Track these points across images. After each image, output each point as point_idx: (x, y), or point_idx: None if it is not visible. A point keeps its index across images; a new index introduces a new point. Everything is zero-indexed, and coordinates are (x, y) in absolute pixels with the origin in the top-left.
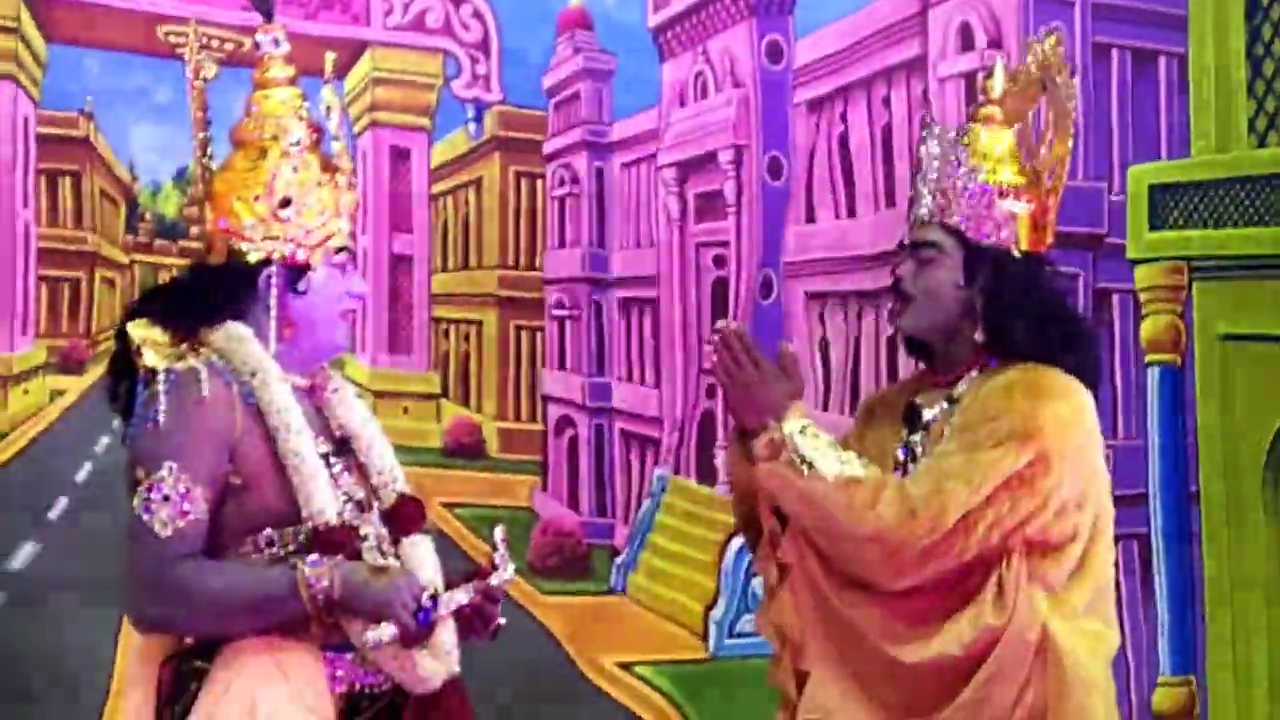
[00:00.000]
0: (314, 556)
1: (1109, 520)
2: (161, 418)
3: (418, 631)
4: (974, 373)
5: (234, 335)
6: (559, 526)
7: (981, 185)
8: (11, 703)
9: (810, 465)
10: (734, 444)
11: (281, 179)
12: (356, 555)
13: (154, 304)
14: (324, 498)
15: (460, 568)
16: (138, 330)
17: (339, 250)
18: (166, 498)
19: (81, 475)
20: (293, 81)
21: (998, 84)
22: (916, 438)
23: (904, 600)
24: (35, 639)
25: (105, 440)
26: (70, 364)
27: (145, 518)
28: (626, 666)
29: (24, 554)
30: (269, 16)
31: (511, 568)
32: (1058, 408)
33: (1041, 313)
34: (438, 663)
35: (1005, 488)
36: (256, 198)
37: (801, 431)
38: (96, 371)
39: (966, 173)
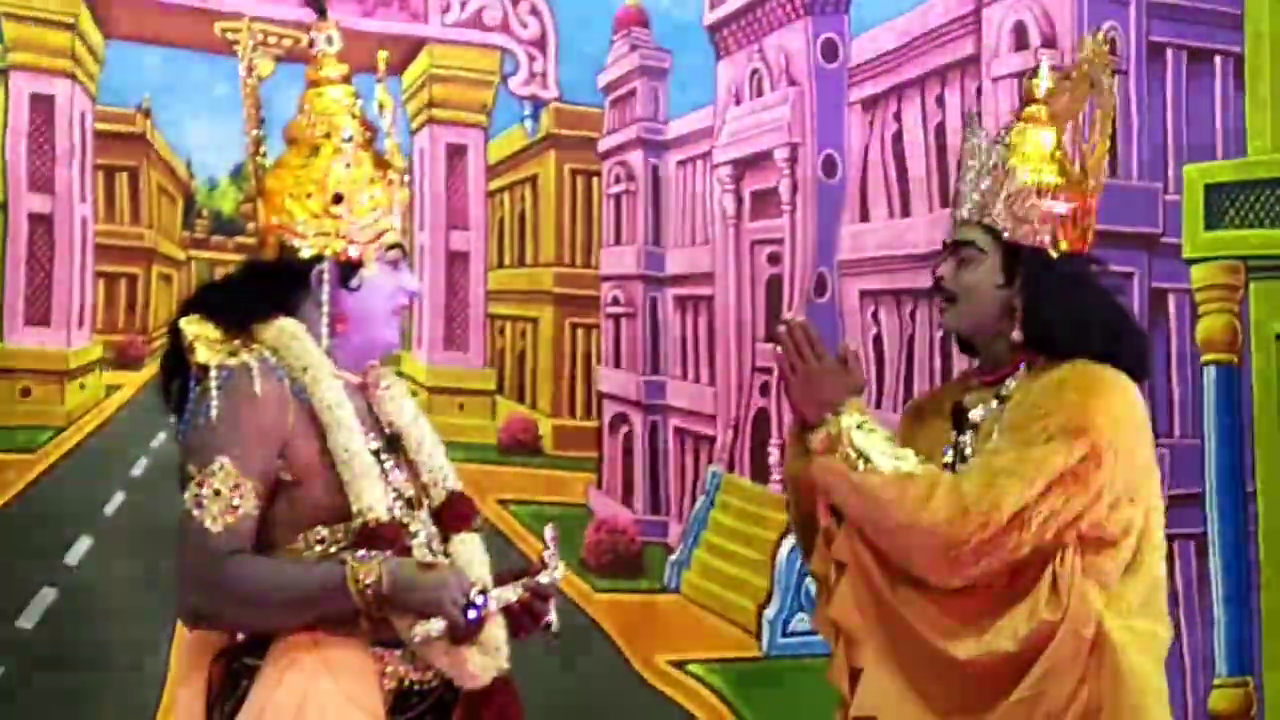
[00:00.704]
0: (363, 552)
1: (1160, 517)
2: (213, 414)
3: (466, 628)
4: (1021, 370)
5: (286, 331)
6: (613, 524)
7: (1021, 185)
8: (65, 698)
9: (866, 460)
10: (792, 438)
11: (334, 176)
12: (406, 551)
13: (207, 300)
14: (374, 494)
15: (516, 565)
16: (190, 326)
17: (391, 247)
18: (218, 493)
19: (138, 471)
20: (346, 79)
21: (1043, 83)
22: (965, 438)
23: (958, 597)
24: (89, 634)
25: (161, 436)
26: (127, 360)
27: (196, 513)
28: (680, 665)
29: (79, 549)
30: (322, 14)
31: (561, 566)
32: (1109, 403)
33: (1083, 312)
34: (487, 659)
35: (1059, 483)
36: (309, 195)
37: (859, 426)
38: (153, 367)
39: (1006, 173)
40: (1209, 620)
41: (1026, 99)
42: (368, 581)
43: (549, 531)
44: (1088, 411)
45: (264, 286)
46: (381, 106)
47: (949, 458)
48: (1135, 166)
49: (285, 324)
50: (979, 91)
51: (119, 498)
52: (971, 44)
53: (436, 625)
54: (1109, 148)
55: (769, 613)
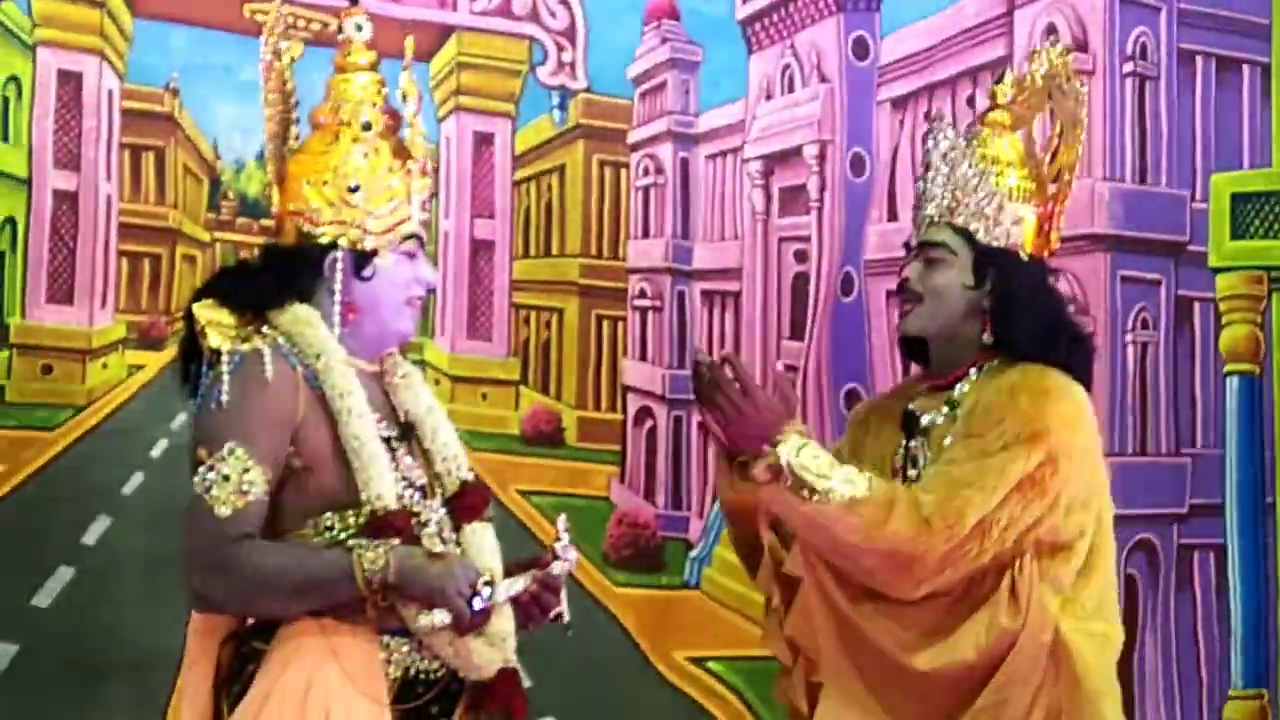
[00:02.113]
0: (369, 540)
1: (1110, 519)
2: (225, 398)
3: (471, 619)
4: (972, 374)
5: (300, 318)
6: (634, 518)
7: (994, 188)
8: (82, 678)
9: (813, 489)
10: (721, 466)
11: (351, 164)
12: (415, 540)
13: (222, 286)
14: (383, 482)
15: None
16: (203, 311)
17: (407, 238)
18: (227, 477)
19: (157, 451)
20: (373, 67)
21: (1007, 89)
22: (916, 444)
23: (917, 609)
24: (106, 614)
25: (181, 417)
26: (149, 340)
27: (205, 497)
28: (699, 661)
29: (97, 529)
30: None
31: (574, 555)
32: (1062, 408)
33: (1050, 316)
34: (493, 650)
35: (1018, 490)
36: (325, 182)
37: (799, 452)
38: (175, 348)
39: (977, 175)
40: (1226, 631)
41: (991, 104)
42: (374, 570)
43: (561, 522)
44: (1043, 417)
45: (280, 273)
46: (405, 95)
47: (901, 464)
48: (1164, 173)
49: (299, 311)
50: None
51: (138, 478)
52: (1003, 45)
53: (440, 616)
54: (1077, 156)
55: None
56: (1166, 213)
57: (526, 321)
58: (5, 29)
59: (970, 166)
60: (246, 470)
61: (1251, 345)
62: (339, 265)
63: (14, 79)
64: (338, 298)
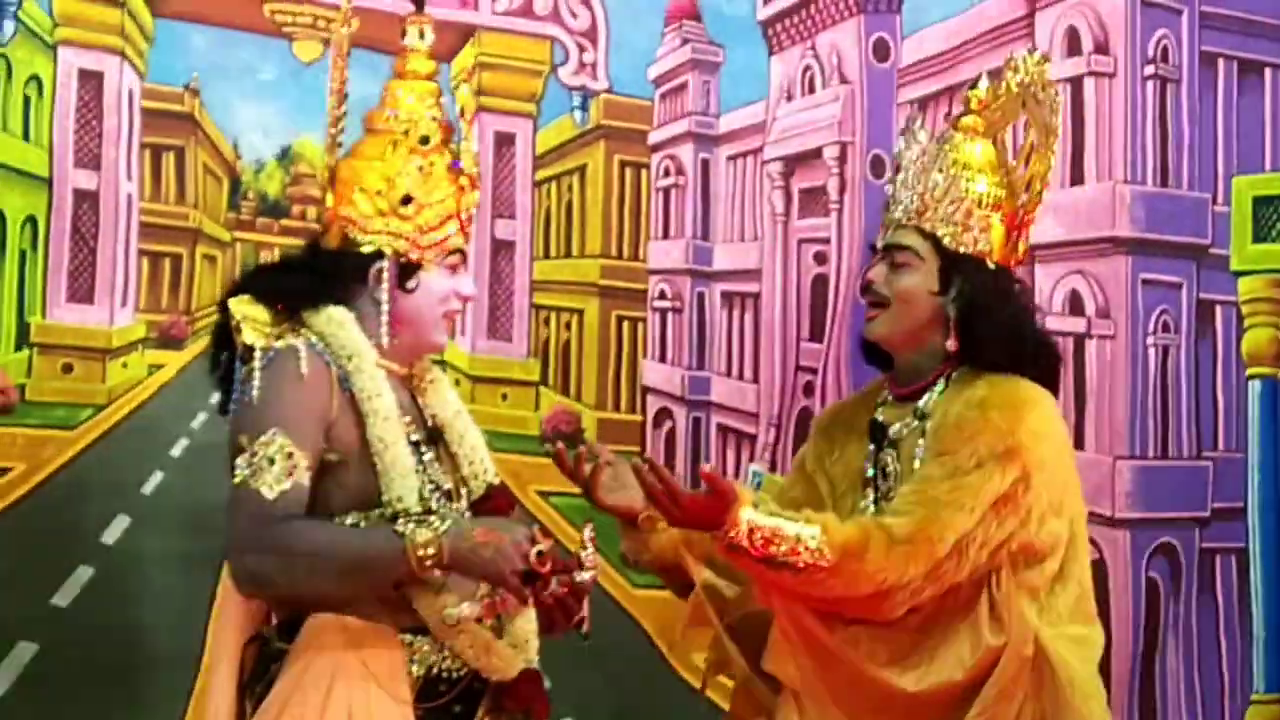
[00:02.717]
0: (417, 520)
1: (1084, 524)
2: (262, 391)
3: (531, 592)
4: (939, 385)
5: (335, 319)
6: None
7: (964, 193)
8: (101, 677)
9: (781, 541)
10: (625, 532)
11: (406, 176)
12: None
13: (259, 281)
14: (406, 484)
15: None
16: (239, 306)
17: (452, 252)
18: (272, 460)
19: (177, 451)
20: (431, 76)
21: (981, 94)
22: (887, 454)
23: (895, 628)
24: (125, 613)
25: (202, 416)
26: (169, 340)
27: (250, 480)
28: None
29: (117, 528)
30: (419, 5)
31: (598, 564)
32: (1033, 420)
33: (1016, 325)
34: (516, 652)
35: (993, 509)
36: (379, 191)
37: (752, 528)
38: (195, 348)
39: (948, 179)
40: (1248, 635)
41: (965, 109)
42: (427, 553)
43: (587, 531)
44: (1015, 433)
45: (320, 274)
46: (463, 111)
47: (871, 474)
48: (1185, 176)
49: (334, 312)
50: None
51: (157, 477)
52: (1024, 47)
53: (468, 609)
54: (1049, 166)
55: None
56: (1188, 216)
57: (547, 322)
58: (27, 28)
59: (941, 171)
60: (290, 455)
61: (1273, 348)
62: (385, 275)
63: (35, 78)
64: (385, 307)
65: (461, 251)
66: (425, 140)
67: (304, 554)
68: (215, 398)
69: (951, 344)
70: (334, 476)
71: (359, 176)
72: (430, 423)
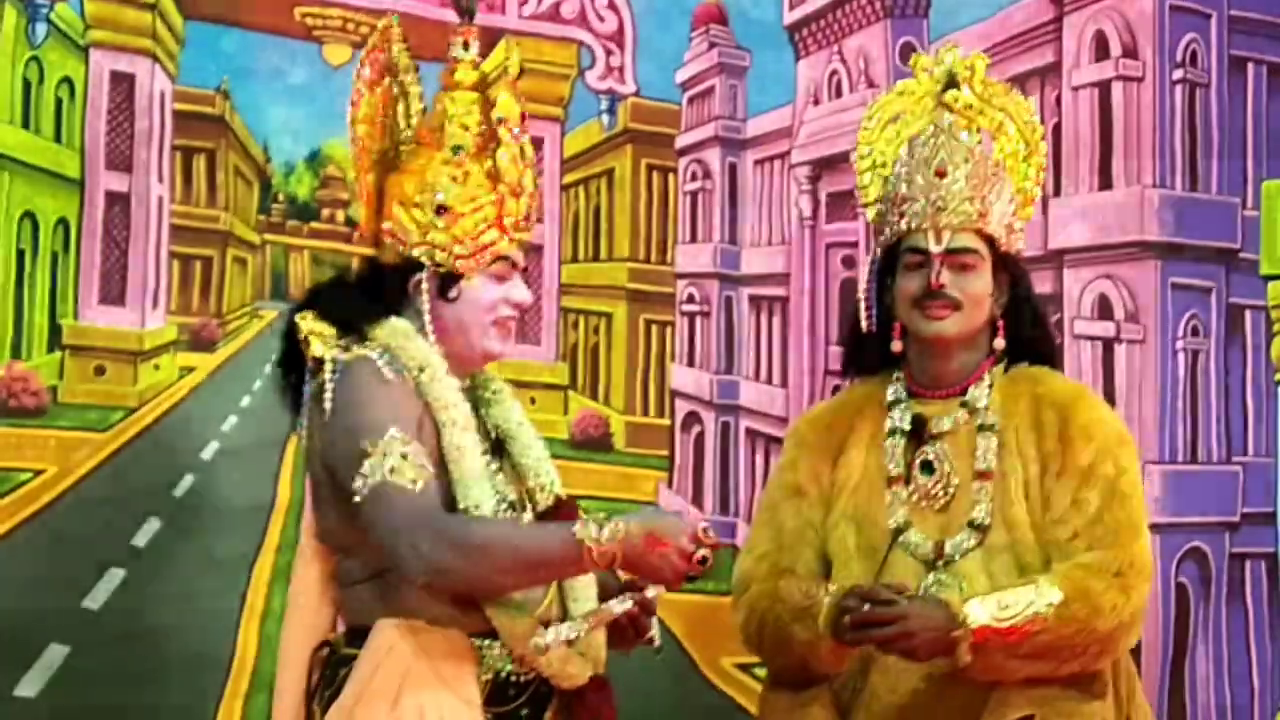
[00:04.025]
0: (595, 519)
1: None
2: (353, 399)
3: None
4: (985, 379)
5: (399, 331)
6: None
7: (1011, 194)
8: (131, 679)
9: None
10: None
11: (439, 186)
12: None
13: (320, 298)
14: (482, 493)
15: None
16: (305, 322)
17: (496, 260)
18: (404, 456)
19: (208, 453)
20: (476, 85)
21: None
22: (934, 449)
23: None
24: (156, 616)
25: (233, 419)
26: (200, 342)
27: (389, 480)
28: (745, 668)
29: (148, 530)
30: (469, 16)
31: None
32: (1103, 404)
33: (1047, 321)
34: (585, 662)
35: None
36: (416, 204)
37: (988, 616)
38: (226, 350)
39: (1000, 182)
40: (1278, 638)
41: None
42: (601, 551)
43: None
44: (1115, 419)
45: (373, 288)
46: (502, 120)
47: (897, 470)
48: (1214, 180)
49: (396, 324)
50: (1058, 100)
51: (188, 480)
52: (1052, 51)
53: (554, 633)
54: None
55: None
56: (1217, 220)
57: (575, 326)
58: (58, 31)
59: (995, 175)
60: (417, 451)
61: None
62: (423, 286)
63: (67, 80)
64: (426, 319)
65: (507, 258)
66: (457, 150)
67: (483, 546)
68: (246, 400)
69: (1000, 342)
70: None
71: (400, 190)
72: (493, 434)
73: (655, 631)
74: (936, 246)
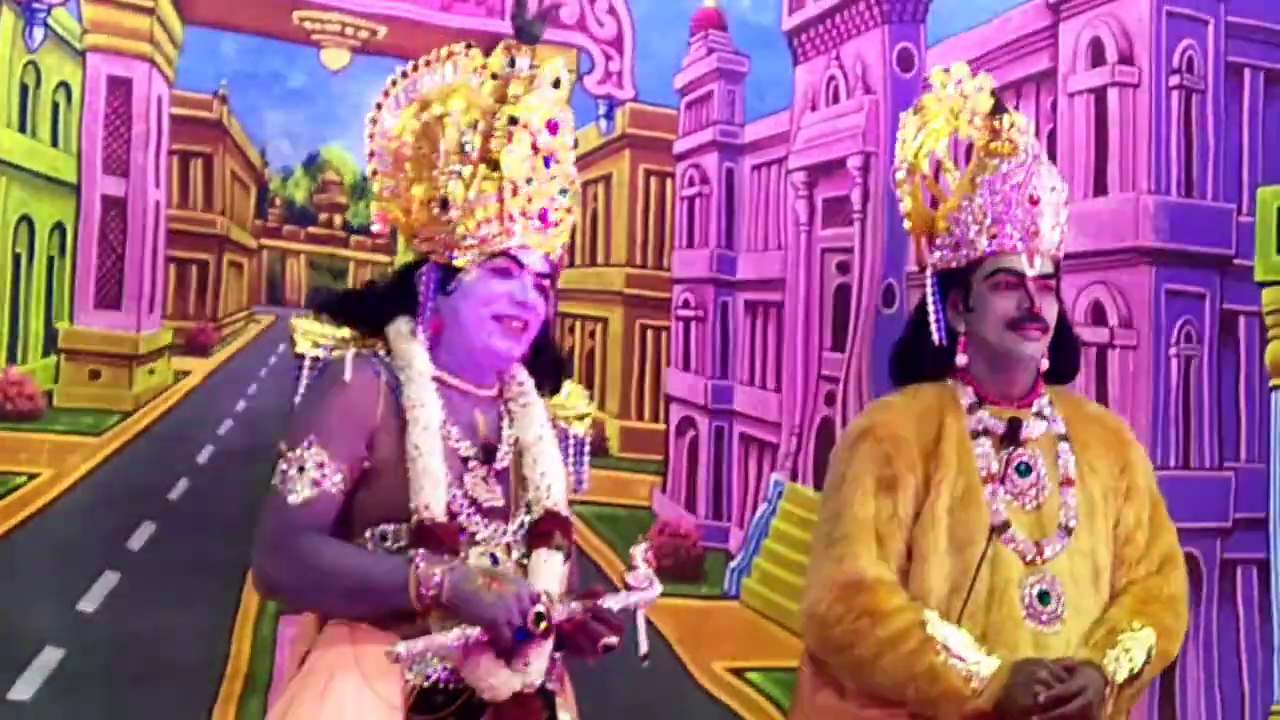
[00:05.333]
0: (431, 555)
1: None
2: (304, 401)
3: (515, 648)
4: (1043, 395)
5: (401, 332)
6: (675, 528)
7: (1065, 218)
8: (127, 682)
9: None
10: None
11: (445, 183)
12: (456, 554)
13: (333, 301)
14: (434, 494)
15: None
16: (299, 322)
17: (495, 255)
18: (302, 469)
19: (203, 457)
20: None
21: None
22: (1029, 451)
23: None
24: (150, 619)
25: (229, 423)
26: (196, 346)
27: (279, 486)
28: (738, 672)
29: (143, 534)
30: (533, 40)
31: (654, 587)
32: None
33: (1078, 341)
34: (512, 675)
35: None
36: (425, 202)
37: (1127, 669)
38: (222, 355)
39: (1064, 206)
40: (1269, 646)
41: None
42: (429, 586)
43: (639, 553)
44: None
45: (388, 287)
46: (516, 120)
47: (995, 468)
48: (1209, 186)
49: (401, 324)
50: (1054, 106)
51: (183, 484)
52: (1048, 58)
53: (417, 644)
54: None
55: None
56: (1212, 226)
57: (571, 330)
58: (56, 35)
59: (1061, 193)
60: (322, 464)
61: None
62: (424, 279)
63: (64, 85)
64: (423, 310)
65: (510, 255)
66: (462, 149)
67: (312, 568)
68: (241, 405)
69: (1045, 362)
70: (371, 484)
71: (420, 193)
72: (511, 444)
73: (643, 639)
74: (1031, 270)
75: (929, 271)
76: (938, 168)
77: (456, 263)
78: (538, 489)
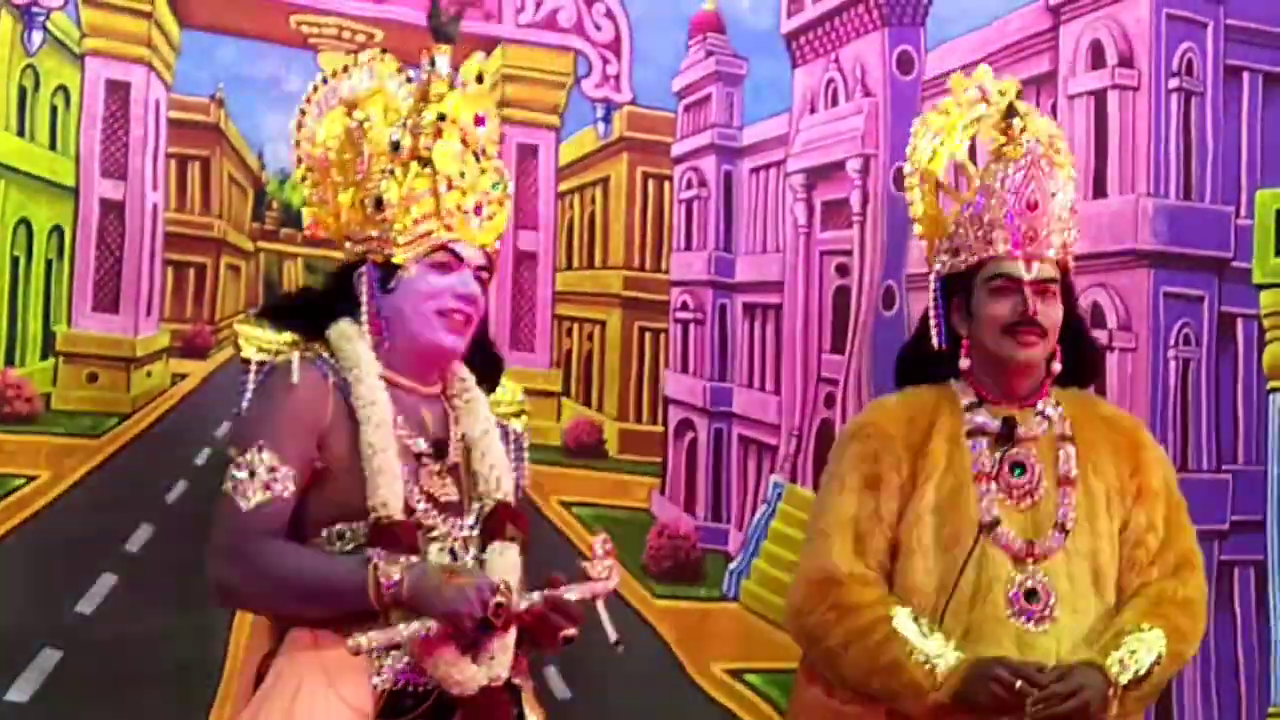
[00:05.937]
0: (388, 554)
1: None
2: (251, 405)
3: (477, 641)
4: (1050, 396)
5: (343, 333)
6: (674, 530)
7: (1072, 218)
8: (124, 685)
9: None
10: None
11: (372, 181)
12: (415, 551)
13: (274, 305)
14: (391, 491)
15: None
16: (242, 327)
17: (434, 250)
18: (253, 474)
19: (200, 459)
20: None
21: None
22: (1025, 450)
23: None
24: (149, 621)
25: (226, 425)
26: (193, 349)
27: (231, 491)
28: (737, 674)
29: (140, 536)
30: (450, 42)
31: (613, 576)
32: None
33: (1095, 342)
34: (478, 669)
35: None
36: (358, 203)
37: (1130, 672)
38: (219, 357)
39: (1071, 206)
40: (1267, 648)
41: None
42: (389, 585)
43: (598, 542)
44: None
45: (329, 289)
46: (444, 116)
47: (989, 467)
48: (1208, 189)
49: (343, 326)
50: (1054, 108)
51: (181, 486)
52: (1048, 60)
53: (376, 637)
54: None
55: None
56: (1210, 229)
57: (569, 333)
58: (54, 39)
59: (1066, 196)
60: (273, 469)
61: None
62: (364, 280)
63: (62, 88)
64: (364, 310)
65: (449, 249)
66: (395, 146)
67: (269, 573)
68: (238, 408)
69: (1057, 366)
70: (324, 485)
71: (354, 195)
72: (454, 439)
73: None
74: (1028, 275)
75: (933, 275)
76: (956, 171)
77: (395, 260)
78: (487, 482)
